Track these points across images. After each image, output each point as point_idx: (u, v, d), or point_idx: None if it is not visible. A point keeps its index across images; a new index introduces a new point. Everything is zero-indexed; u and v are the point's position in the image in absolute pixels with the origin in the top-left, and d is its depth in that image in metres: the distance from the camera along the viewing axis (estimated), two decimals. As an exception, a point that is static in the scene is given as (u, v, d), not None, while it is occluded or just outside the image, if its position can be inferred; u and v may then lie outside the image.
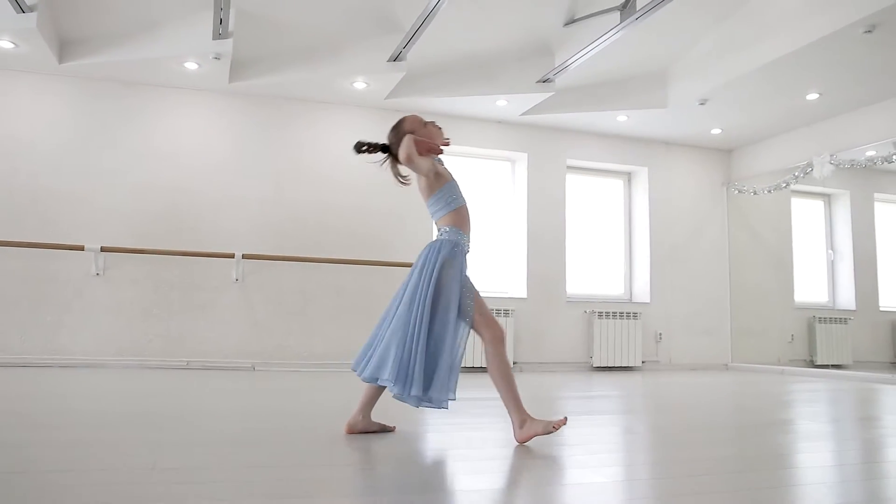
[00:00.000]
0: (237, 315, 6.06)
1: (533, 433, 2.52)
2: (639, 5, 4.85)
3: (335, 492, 1.83)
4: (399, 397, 2.58)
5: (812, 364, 7.69)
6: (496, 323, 2.70)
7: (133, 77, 5.95)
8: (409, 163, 2.69)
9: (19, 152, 5.74)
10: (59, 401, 3.57)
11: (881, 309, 7.97)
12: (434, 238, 2.81)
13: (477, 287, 2.76)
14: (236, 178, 6.24)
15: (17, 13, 4.84)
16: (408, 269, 2.82)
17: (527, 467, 2.20)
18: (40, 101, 5.85)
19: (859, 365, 7.48)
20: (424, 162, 2.72)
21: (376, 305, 6.35)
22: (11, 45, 5.24)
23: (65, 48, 5.53)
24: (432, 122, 2.90)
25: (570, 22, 5.65)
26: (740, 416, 3.62)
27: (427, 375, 2.53)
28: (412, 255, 6.36)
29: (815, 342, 7.79)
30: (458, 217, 2.79)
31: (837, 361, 7.67)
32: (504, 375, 2.60)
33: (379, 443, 2.53)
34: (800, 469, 2.31)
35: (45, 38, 5.12)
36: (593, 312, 7.17)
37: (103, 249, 5.62)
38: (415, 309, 2.59)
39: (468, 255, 2.79)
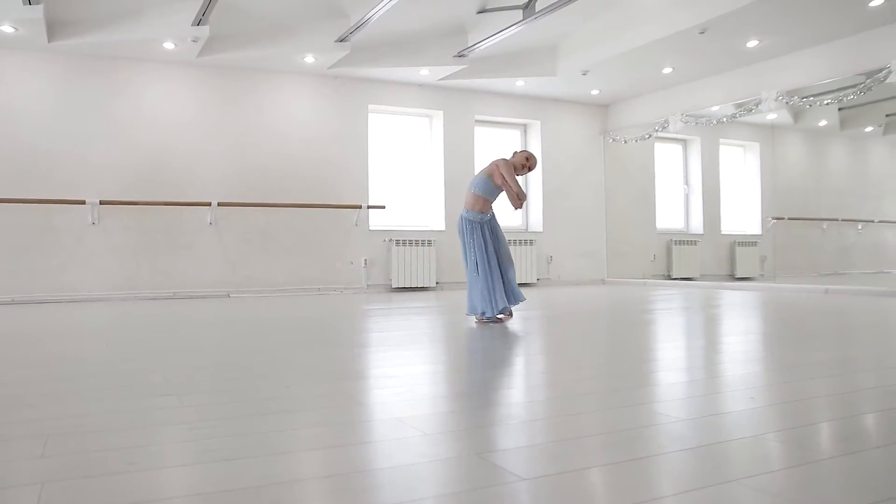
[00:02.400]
0: (212, 252, 7.31)
1: None
2: (538, 7, 6.32)
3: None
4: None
5: (669, 277, 9.74)
6: None
7: (114, 53, 6.88)
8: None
9: (17, 120, 6.63)
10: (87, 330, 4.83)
11: (723, 233, 10.13)
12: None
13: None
14: (207, 137, 7.37)
15: (25, 5, 5.71)
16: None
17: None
18: (32, 75, 6.70)
19: (705, 277, 9.62)
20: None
21: (326, 240, 7.82)
22: (12, 30, 6.09)
23: (52, 29, 6.38)
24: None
25: (483, 11, 7.05)
26: (616, 306, 5.36)
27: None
28: (354, 198, 7.82)
29: (672, 260, 9.83)
30: None
31: (688, 275, 9.76)
32: None
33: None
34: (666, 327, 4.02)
35: (43, 22, 6.01)
36: (499, 241, 8.84)
37: (102, 203, 6.69)
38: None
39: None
